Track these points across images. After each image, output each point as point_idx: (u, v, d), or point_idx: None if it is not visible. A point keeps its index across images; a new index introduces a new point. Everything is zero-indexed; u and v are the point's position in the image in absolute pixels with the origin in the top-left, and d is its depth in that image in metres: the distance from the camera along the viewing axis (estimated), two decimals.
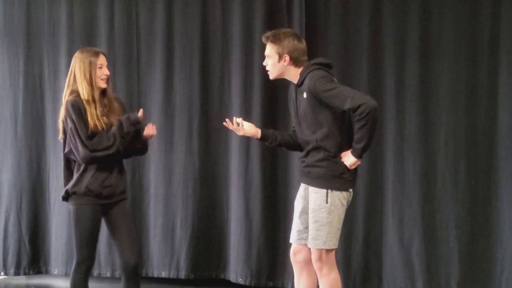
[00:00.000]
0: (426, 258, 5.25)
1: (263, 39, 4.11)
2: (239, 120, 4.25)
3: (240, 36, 5.61)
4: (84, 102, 4.13)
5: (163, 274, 5.79)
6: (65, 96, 4.20)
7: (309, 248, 4.06)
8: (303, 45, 4.08)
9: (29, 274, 6.08)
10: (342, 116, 3.99)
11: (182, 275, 5.74)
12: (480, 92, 5.18)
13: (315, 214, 3.97)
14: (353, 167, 3.97)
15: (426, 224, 5.26)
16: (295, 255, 4.20)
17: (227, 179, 5.71)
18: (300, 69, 4.05)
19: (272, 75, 4.14)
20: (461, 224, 5.20)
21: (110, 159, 4.19)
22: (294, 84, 4.11)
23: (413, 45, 5.27)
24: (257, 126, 4.44)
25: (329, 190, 3.95)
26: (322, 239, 3.96)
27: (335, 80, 4.04)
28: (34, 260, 6.05)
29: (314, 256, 4.02)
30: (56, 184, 5.84)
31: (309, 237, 4.01)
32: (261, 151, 5.53)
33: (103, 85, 4.21)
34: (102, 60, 4.22)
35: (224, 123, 4.29)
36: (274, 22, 5.41)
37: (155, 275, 5.81)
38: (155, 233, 5.80)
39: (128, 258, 4.23)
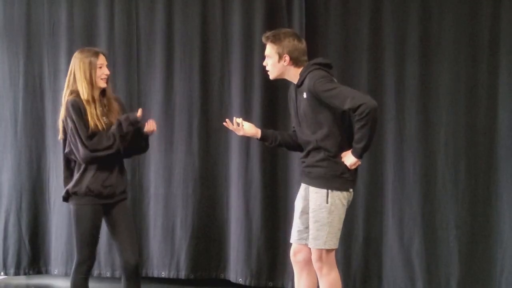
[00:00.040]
0: (426, 258, 5.25)
1: (263, 39, 4.11)
2: (239, 120, 4.25)
3: (240, 36, 5.61)
4: (84, 102, 4.13)
5: (163, 274, 5.79)
6: (65, 96, 4.20)
7: (309, 248, 4.06)
8: (303, 45, 4.08)
9: (29, 274, 6.08)
10: (342, 116, 3.99)
11: (182, 275, 5.74)
12: (480, 92, 5.18)
13: (316, 214, 3.97)
14: (353, 167, 3.97)
15: (426, 224, 5.26)
16: (295, 255, 4.20)
17: (227, 179, 5.71)
18: (300, 69, 4.05)
19: (272, 75, 4.14)
20: (461, 224, 5.20)
21: (111, 159, 4.19)
22: (294, 84, 4.11)
23: (413, 45, 5.27)
24: (257, 126, 4.44)
25: (329, 190, 3.95)
26: (323, 239, 3.96)
27: (335, 80, 4.04)
28: (34, 260, 6.05)
29: (314, 256, 4.02)
30: (56, 184, 5.84)
31: (310, 237, 4.01)
32: (261, 151, 5.53)
33: (103, 84, 4.21)
34: (102, 60, 4.22)
35: (224, 123, 4.29)
36: (274, 22, 5.41)
37: (155, 275, 5.81)
38: (155, 233, 5.80)
39: (129, 258, 4.23)
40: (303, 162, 4.10)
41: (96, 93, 4.19)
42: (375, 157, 5.30)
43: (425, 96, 5.27)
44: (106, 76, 4.22)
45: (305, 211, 4.10)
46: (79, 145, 4.09)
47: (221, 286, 5.74)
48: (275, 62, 4.07)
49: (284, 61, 4.05)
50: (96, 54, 4.21)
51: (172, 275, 5.76)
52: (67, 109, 4.12)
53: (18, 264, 6.02)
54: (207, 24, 5.71)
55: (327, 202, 3.95)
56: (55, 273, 6.00)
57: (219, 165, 5.73)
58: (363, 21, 5.38)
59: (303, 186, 4.15)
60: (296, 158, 5.27)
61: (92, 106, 4.15)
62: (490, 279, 5.16)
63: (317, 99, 3.94)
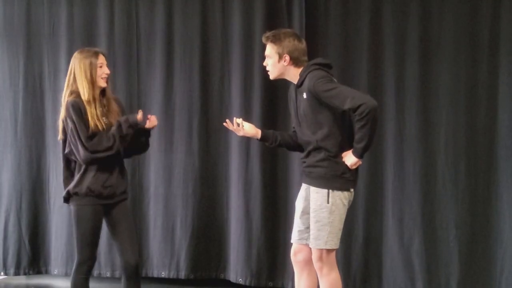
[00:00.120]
0: (426, 258, 5.25)
1: (263, 39, 4.11)
2: (239, 120, 4.25)
3: (240, 36, 5.61)
4: (85, 103, 4.13)
5: (163, 274, 5.79)
6: (65, 97, 4.20)
7: (310, 248, 4.06)
8: (303, 45, 4.09)
9: (29, 274, 6.08)
10: (342, 116, 3.99)
11: (182, 275, 5.74)
12: (480, 92, 5.18)
13: (316, 214, 3.97)
14: (354, 167, 3.98)
15: (426, 224, 5.26)
16: (296, 255, 4.20)
17: (227, 179, 5.71)
18: (300, 69, 4.05)
19: (272, 75, 4.14)
20: (461, 224, 5.20)
21: (111, 159, 4.19)
22: (294, 84, 4.11)
23: (413, 45, 5.27)
24: (257, 126, 4.44)
25: (330, 190, 3.95)
26: (323, 239, 3.96)
27: (335, 80, 4.04)
28: (34, 260, 6.05)
29: (314, 256, 4.03)
30: (56, 184, 5.84)
31: (311, 237, 4.01)
32: (261, 151, 5.53)
33: (103, 84, 4.21)
34: (101, 59, 4.23)
35: (224, 124, 4.29)
36: (274, 22, 5.41)
37: (155, 275, 5.81)
38: (155, 233, 5.80)
39: (129, 258, 4.23)
40: (304, 162, 4.10)
41: (97, 93, 4.19)
42: (375, 157, 5.30)
43: (425, 96, 5.27)
44: (106, 76, 4.22)
45: (305, 211, 4.10)
46: (79, 146, 4.09)
47: (221, 286, 5.74)
48: (275, 62, 4.07)
49: (284, 61, 4.05)
50: (96, 54, 4.21)
51: (172, 275, 5.76)
52: (67, 110, 4.12)
53: (18, 264, 6.02)
54: (207, 24, 5.71)
55: (328, 202, 3.95)
56: (55, 273, 6.00)
57: (219, 165, 5.73)
58: (363, 21, 5.38)
59: (303, 186, 4.15)
60: (296, 158, 5.27)
61: (93, 106, 4.15)
62: (490, 279, 5.16)
63: (317, 99, 3.94)
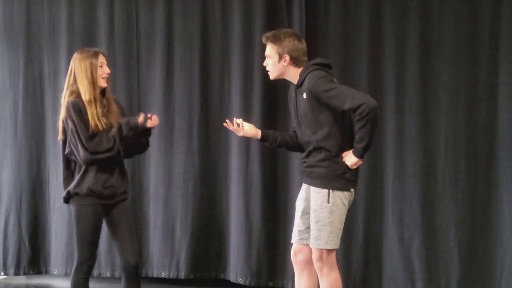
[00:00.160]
0: (426, 258, 5.25)
1: (263, 40, 4.11)
2: (239, 121, 4.24)
3: (240, 36, 5.61)
4: (85, 103, 4.12)
5: (163, 274, 5.79)
6: (65, 97, 4.19)
7: (310, 248, 4.06)
8: (303, 45, 4.09)
9: (29, 274, 6.08)
10: (342, 116, 3.99)
11: (182, 275, 5.74)
12: (480, 92, 5.18)
13: (317, 214, 3.97)
14: (354, 167, 3.97)
15: (426, 224, 5.26)
16: (296, 255, 4.20)
17: (227, 179, 5.71)
18: (300, 70, 4.05)
19: (272, 75, 4.14)
20: (461, 224, 5.20)
21: (111, 160, 4.19)
22: (294, 84, 4.11)
23: (413, 45, 5.28)
24: (257, 126, 4.44)
25: (330, 190, 3.95)
26: (324, 239, 3.96)
27: (335, 80, 4.04)
28: (34, 260, 6.05)
29: (315, 256, 4.03)
30: (56, 184, 5.84)
31: (311, 237, 4.01)
32: (261, 151, 5.53)
33: (104, 84, 4.21)
34: (101, 59, 4.22)
35: (224, 124, 4.28)
36: (274, 22, 5.41)
37: (155, 275, 5.81)
38: (155, 233, 5.80)
39: (129, 258, 4.23)
40: (304, 162, 4.10)
41: (97, 93, 4.18)
42: (375, 157, 5.30)
43: (425, 96, 5.27)
44: (107, 75, 4.22)
45: (306, 212, 4.10)
46: (80, 146, 4.09)
47: (221, 286, 5.74)
48: (275, 62, 4.07)
49: (284, 61, 4.05)
50: (96, 54, 4.21)
51: (172, 275, 5.76)
52: (67, 110, 4.11)
53: (18, 264, 6.02)
54: (207, 24, 5.71)
55: (328, 202, 3.95)
56: (55, 273, 6.00)
57: (219, 165, 5.73)
58: (363, 21, 5.38)
59: (304, 186, 4.15)
60: (296, 158, 5.27)
61: (93, 106, 4.14)
62: (490, 279, 5.16)
63: (317, 99, 3.94)
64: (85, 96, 4.13)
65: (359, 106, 3.79)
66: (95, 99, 4.15)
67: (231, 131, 4.31)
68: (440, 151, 5.24)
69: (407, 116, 5.29)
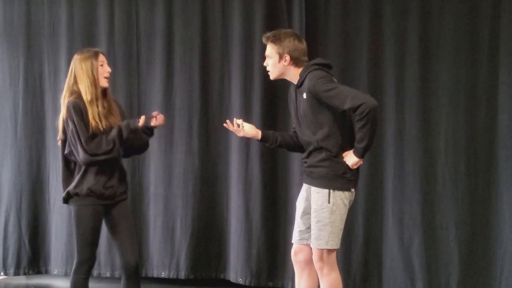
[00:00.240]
0: (426, 258, 5.25)
1: (264, 40, 4.11)
2: (240, 121, 4.24)
3: (240, 36, 5.61)
4: (87, 103, 4.12)
5: (163, 274, 5.79)
6: (65, 97, 4.18)
7: (311, 248, 4.06)
8: (303, 45, 4.09)
9: (29, 274, 6.08)
10: (342, 116, 3.99)
11: (182, 275, 5.74)
12: (480, 92, 5.18)
13: (317, 214, 3.97)
14: (355, 166, 3.97)
15: (426, 224, 5.26)
16: (296, 255, 4.20)
17: (227, 179, 5.71)
18: (300, 70, 4.05)
19: (272, 76, 4.15)
20: (461, 224, 5.20)
21: (111, 160, 4.18)
22: (294, 85, 4.11)
23: (413, 45, 5.28)
24: (257, 126, 4.44)
25: (331, 190, 3.95)
26: (324, 239, 3.96)
27: (335, 80, 4.04)
28: (34, 260, 6.05)
29: (315, 256, 4.03)
30: (56, 184, 5.84)
31: (312, 237, 4.01)
32: (261, 151, 5.53)
33: (105, 84, 4.20)
34: (102, 58, 4.22)
35: (224, 125, 4.28)
36: (274, 22, 5.41)
37: (155, 275, 5.81)
38: (155, 233, 5.80)
39: (129, 258, 4.23)
40: (305, 162, 4.10)
41: (99, 93, 4.17)
42: (375, 157, 5.30)
43: (425, 96, 5.27)
44: (108, 74, 4.22)
45: (306, 212, 4.10)
46: (79, 147, 4.08)
47: (221, 286, 5.74)
48: (275, 62, 4.07)
49: (285, 61, 4.05)
50: (96, 54, 4.21)
51: (172, 275, 5.76)
52: (68, 110, 4.11)
53: (18, 264, 6.02)
54: (207, 24, 5.71)
55: (329, 202, 3.95)
56: (55, 273, 6.00)
57: (219, 165, 5.73)
58: (363, 21, 5.38)
59: (304, 186, 4.15)
60: (296, 158, 5.28)
61: (94, 106, 4.13)
62: (490, 279, 5.16)
63: (317, 100, 3.94)
64: (87, 96, 4.12)
65: (359, 106, 3.79)
66: (96, 99, 4.15)
67: (231, 131, 4.31)
68: (440, 151, 5.24)
69: (407, 116, 5.29)
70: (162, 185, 5.78)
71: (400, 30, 5.30)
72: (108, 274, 5.87)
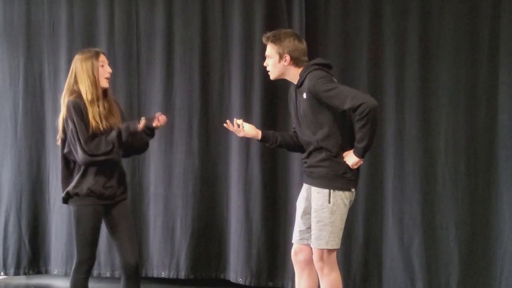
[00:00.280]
0: (426, 258, 5.25)
1: (264, 40, 4.11)
2: (240, 121, 4.24)
3: (240, 36, 5.61)
4: (86, 103, 4.11)
5: (163, 274, 5.79)
6: (65, 97, 4.18)
7: (311, 248, 4.06)
8: (303, 45, 4.09)
9: (29, 274, 6.08)
10: (342, 116, 3.99)
11: (182, 275, 5.74)
12: (480, 92, 5.18)
13: (318, 214, 3.97)
14: (355, 166, 3.97)
15: (426, 224, 5.26)
16: (297, 255, 4.20)
17: (227, 179, 5.71)
18: (301, 70, 4.05)
19: (272, 76, 4.15)
20: (461, 224, 5.20)
21: (110, 161, 4.18)
22: (294, 85, 4.11)
23: (413, 45, 5.28)
24: (257, 126, 4.44)
25: (331, 190, 3.95)
26: (325, 239, 3.96)
27: (335, 80, 4.04)
28: (34, 260, 6.05)
29: (315, 256, 4.03)
30: (56, 184, 5.84)
31: (312, 237, 4.01)
32: (261, 151, 5.53)
33: (106, 84, 4.20)
34: (102, 58, 4.22)
35: (224, 125, 4.28)
36: (274, 22, 5.41)
37: (155, 275, 5.81)
38: (155, 233, 5.80)
39: (129, 258, 4.23)
40: (305, 162, 4.10)
41: (99, 93, 4.17)
42: (375, 157, 5.30)
43: (425, 96, 5.27)
44: (109, 75, 4.22)
45: (306, 212, 4.10)
46: (78, 147, 4.08)
47: (221, 286, 5.74)
48: (275, 62, 4.07)
49: (285, 61, 4.05)
50: (97, 54, 4.21)
51: (172, 275, 5.76)
52: (68, 110, 4.10)
53: (18, 264, 6.02)
54: (207, 24, 5.71)
55: (329, 202, 3.95)
56: (55, 273, 6.00)
57: (219, 165, 5.73)
58: (363, 21, 5.38)
59: (305, 186, 4.15)
60: (296, 158, 5.28)
61: (95, 106, 4.13)
62: (490, 279, 5.16)
63: (317, 99, 3.94)
64: (87, 96, 4.12)
65: (359, 106, 3.79)
66: (97, 99, 4.15)
67: (231, 131, 4.31)
68: (440, 151, 5.24)
69: (407, 116, 5.29)
70: (162, 185, 5.78)
71: (400, 30, 5.30)
72: (108, 274, 5.87)
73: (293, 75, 4.08)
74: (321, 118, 3.97)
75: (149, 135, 4.31)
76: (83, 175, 4.15)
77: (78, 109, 4.09)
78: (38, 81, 6.01)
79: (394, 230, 5.32)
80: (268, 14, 5.54)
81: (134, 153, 4.51)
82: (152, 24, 5.79)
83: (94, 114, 4.11)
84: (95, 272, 5.74)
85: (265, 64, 4.15)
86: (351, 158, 3.95)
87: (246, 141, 5.48)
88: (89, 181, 4.14)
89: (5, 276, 6.07)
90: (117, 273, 5.75)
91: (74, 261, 4.23)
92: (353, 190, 4.03)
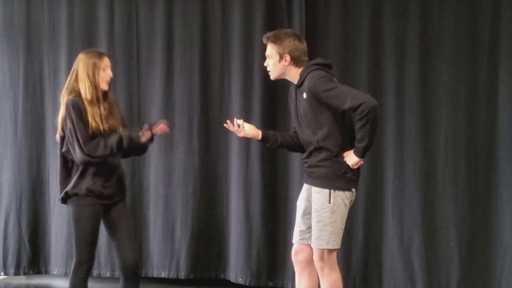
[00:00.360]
0: (426, 258, 5.25)
1: (264, 40, 4.12)
2: (240, 121, 4.24)
3: (240, 36, 5.61)
4: (85, 102, 4.11)
5: (163, 274, 5.79)
6: (64, 95, 4.17)
7: (311, 248, 4.06)
8: (303, 45, 4.09)
9: (29, 274, 6.08)
10: (342, 115, 3.99)
11: (182, 275, 5.74)
12: (480, 92, 5.18)
13: (318, 214, 3.97)
14: (355, 166, 3.97)
15: (426, 224, 5.26)
16: (297, 255, 4.20)
17: (227, 179, 5.71)
18: (301, 70, 4.05)
19: (273, 76, 4.15)
20: (461, 224, 5.20)
21: (109, 161, 4.18)
22: (294, 84, 4.11)
23: (413, 45, 5.28)
24: (257, 126, 4.44)
25: (331, 190, 3.95)
26: (325, 239, 3.96)
27: (335, 80, 4.04)
28: (34, 260, 6.05)
29: (316, 256, 4.03)
30: (56, 184, 5.78)
31: (312, 237, 4.02)
32: (261, 151, 5.53)
33: (105, 87, 4.19)
34: (106, 61, 4.20)
35: (225, 125, 4.28)
36: (274, 22, 5.41)
37: (155, 275, 5.81)
38: (155, 233, 5.80)
39: (128, 258, 4.22)
40: (305, 162, 4.10)
41: (99, 94, 4.16)
42: (375, 157, 5.30)
43: (425, 96, 5.27)
44: (109, 79, 4.20)
45: (307, 212, 4.10)
46: (77, 147, 4.07)
47: (221, 286, 5.74)
48: (276, 62, 4.07)
49: (285, 61, 4.05)
50: (101, 56, 4.20)
51: (172, 275, 5.76)
52: (67, 109, 4.09)
53: (18, 264, 6.02)
54: (207, 24, 5.71)
55: (329, 202, 3.95)
56: (55, 273, 6.00)
57: (219, 165, 5.72)
58: (363, 21, 5.38)
59: (305, 186, 4.15)
60: (296, 158, 5.28)
61: (95, 107, 4.12)
62: (490, 279, 5.16)
63: (317, 99, 3.94)
64: (86, 95, 4.11)
65: (359, 106, 3.79)
66: (97, 100, 4.14)
67: (231, 131, 4.31)
68: (440, 151, 5.24)
69: (407, 116, 5.29)
70: (162, 185, 5.78)
71: (400, 30, 5.30)
72: (108, 274, 5.86)
73: (293, 75, 4.08)
74: (321, 118, 3.97)
75: (148, 140, 4.31)
76: (82, 175, 4.15)
77: (77, 108, 4.08)
78: (38, 81, 6.00)
79: (394, 230, 5.32)
80: (268, 14, 5.54)
81: (134, 154, 4.51)
82: (152, 24, 5.79)
83: (93, 115, 4.10)
84: (95, 272, 5.75)
85: (265, 64, 4.15)
86: (351, 158, 3.95)
87: (246, 141, 5.48)
88: (88, 181, 4.14)
89: (5, 276, 6.07)
90: (117, 273, 5.74)
91: (73, 261, 4.23)
92: (353, 190, 4.03)
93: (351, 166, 3.97)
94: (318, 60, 4.10)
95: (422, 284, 5.25)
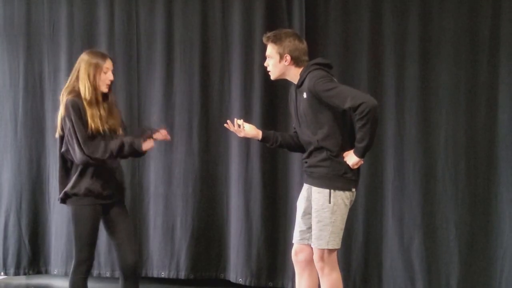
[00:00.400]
0: (426, 258, 5.25)
1: (264, 40, 4.12)
2: (240, 122, 4.24)
3: (240, 36, 5.61)
4: (85, 103, 4.10)
5: (163, 274, 5.79)
6: (64, 94, 4.17)
7: (311, 248, 4.06)
8: (303, 45, 4.09)
9: (29, 274, 6.08)
10: (343, 115, 4.00)
11: (182, 275, 5.74)
12: (480, 92, 5.18)
13: (318, 214, 3.97)
14: (356, 166, 3.97)
15: (426, 224, 5.26)
16: (297, 255, 4.20)
17: (227, 179, 5.70)
18: (301, 69, 4.05)
19: (273, 76, 4.15)
20: (461, 224, 5.20)
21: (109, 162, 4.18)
22: (294, 84, 4.11)
23: (413, 45, 5.28)
24: (257, 126, 4.44)
25: (332, 190, 3.95)
26: (325, 239, 3.96)
27: (335, 80, 4.04)
28: (34, 260, 6.05)
29: (316, 256, 4.03)
30: (56, 184, 5.80)
31: (313, 237, 4.01)
32: (261, 151, 5.53)
33: (105, 89, 4.18)
34: (108, 64, 4.20)
35: (225, 125, 4.28)
36: (274, 22, 5.41)
37: (155, 275, 5.81)
38: (155, 233, 5.80)
39: (127, 258, 4.22)
40: (306, 162, 4.10)
41: (99, 96, 4.16)
42: (375, 157, 5.30)
43: (425, 96, 5.27)
44: (109, 82, 4.20)
45: (307, 212, 4.10)
46: (76, 147, 4.07)
47: (221, 286, 5.74)
48: (276, 62, 4.07)
49: (285, 61, 4.05)
50: (104, 58, 4.19)
51: (172, 275, 5.76)
52: (66, 109, 4.09)
53: (18, 264, 6.02)
54: (207, 24, 5.71)
55: (329, 202, 3.95)
56: (55, 273, 6.00)
57: (219, 165, 5.72)
58: (363, 21, 5.38)
59: (305, 186, 4.15)
60: (296, 158, 5.28)
61: (94, 108, 4.11)
62: (490, 279, 5.16)
63: (317, 99, 3.94)
64: (86, 96, 4.11)
65: (359, 105, 3.79)
66: (97, 101, 4.14)
67: (231, 131, 4.31)
68: (440, 151, 5.24)
69: (407, 116, 5.29)
70: (162, 185, 5.77)
71: (400, 30, 5.30)
72: (108, 274, 5.87)
73: (294, 75, 4.08)
74: (321, 117, 3.97)
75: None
76: (81, 175, 4.15)
77: (76, 108, 4.07)
78: (38, 81, 6.00)
79: (394, 230, 5.32)
80: (268, 14, 5.54)
81: (131, 157, 4.49)
82: (152, 24, 5.79)
83: (93, 115, 4.09)
84: (95, 272, 5.75)
85: (265, 64, 4.15)
86: (351, 158, 3.95)
87: (246, 141, 5.48)
88: (87, 181, 4.14)
89: (5, 276, 6.07)
90: (117, 273, 5.72)
91: (73, 261, 4.22)
92: (353, 190, 4.03)
93: (351, 166, 3.97)
94: (318, 60, 4.10)
95: (422, 284, 5.25)
